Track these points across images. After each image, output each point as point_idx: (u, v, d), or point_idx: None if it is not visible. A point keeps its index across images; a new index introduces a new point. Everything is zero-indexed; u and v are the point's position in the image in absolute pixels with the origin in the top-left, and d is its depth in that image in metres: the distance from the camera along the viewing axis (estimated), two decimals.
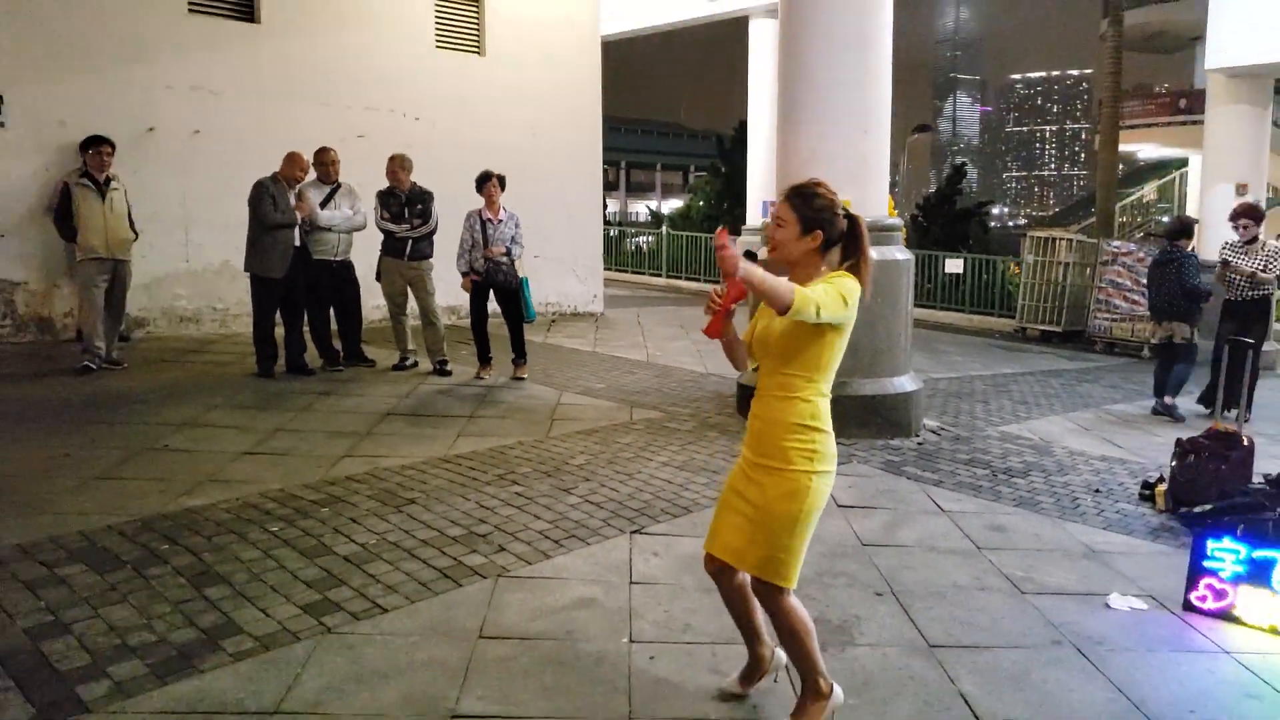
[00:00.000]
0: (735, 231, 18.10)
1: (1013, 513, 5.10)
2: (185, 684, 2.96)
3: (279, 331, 7.70)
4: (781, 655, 2.99)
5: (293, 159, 7.60)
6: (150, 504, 4.55)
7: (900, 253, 6.62)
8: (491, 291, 7.78)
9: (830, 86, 6.44)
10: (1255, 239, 7.81)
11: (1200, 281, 8.05)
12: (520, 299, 7.80)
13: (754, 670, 3.01)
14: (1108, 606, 3.90)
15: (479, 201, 7.74)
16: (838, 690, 2.88)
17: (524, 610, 3.60)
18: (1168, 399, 8.05)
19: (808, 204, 2.72)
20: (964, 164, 33.07)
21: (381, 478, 5.11)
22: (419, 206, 7.92)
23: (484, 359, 8.00)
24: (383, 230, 7.97)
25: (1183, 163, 28.72)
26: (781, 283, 2.49)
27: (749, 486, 2.76)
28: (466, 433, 6.18)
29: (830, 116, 6.41)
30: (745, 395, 6.90)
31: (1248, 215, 7.86)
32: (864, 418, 6.30)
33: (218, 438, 5.80)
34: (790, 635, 2.77)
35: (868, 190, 6.45)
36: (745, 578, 2.85)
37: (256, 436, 5.87)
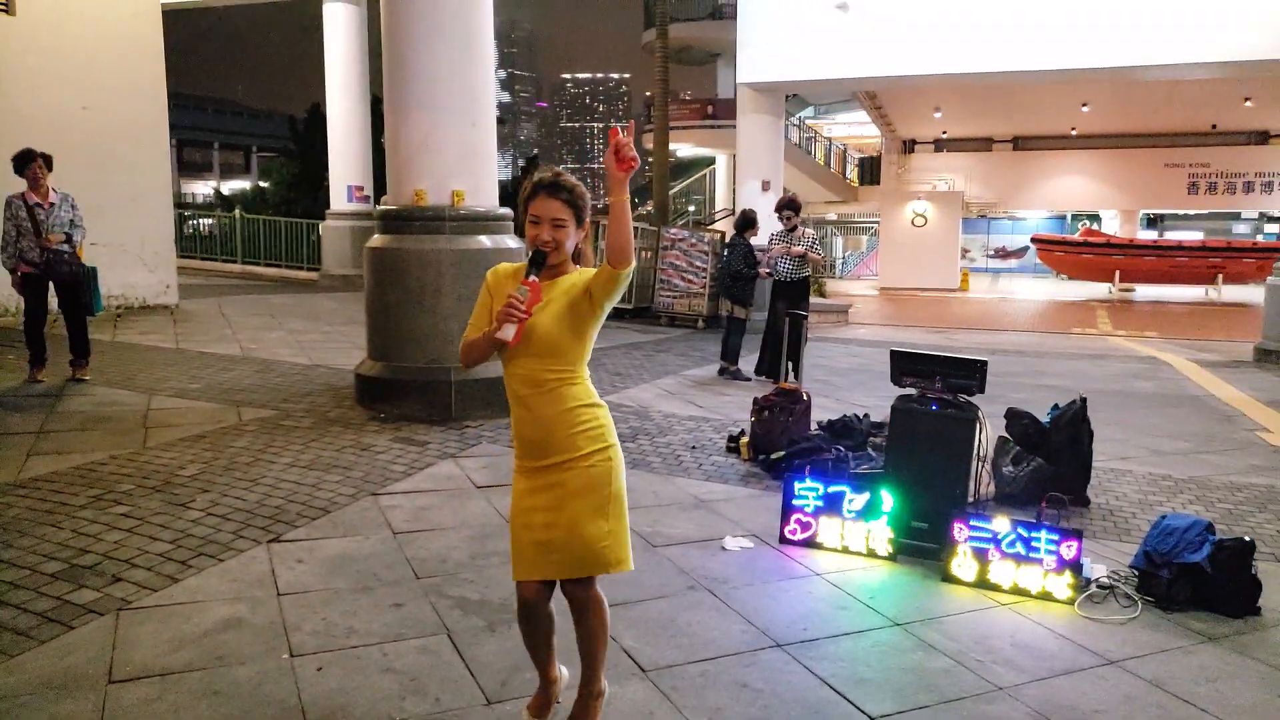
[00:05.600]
0: (318, 215, 17.14)
1: (630, 474, 5.50)
2: None
3: None
4: (566, 676, 2.88)
5: None
6: None
7: (512, 241, 6.85)
8: (51, 285, 6.77)
9: (438, 79, 6.45)
10: (795, 228, 9.23)
11: (744, 269, 9.33)
12: (87, 291, 6.92)
13: (548, 698, 2.83)
14: (724, 549, 4.44)
15: (19, 184, 6.69)
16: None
17: (159, 643, 3.24)
18: (730, 366, 9.30)
19: (576, 197, 2.62)
20: (536, 155, 34.73)
21: None
22: None
23: (40, 360, 6.98)
24: None
25: (710, 161, 33.08)
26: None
27: (544, 495, 2.58)
28: (39, 450, 5.28)
29: (440, 107, 6.43)
30: (365, 386, 6.72)
31: (788, 207, 9.27)
32: (489, 398, 6.46)
33: None
34: (605, 626, 2.69)
35: (479, 180, 6.60)
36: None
37: None
